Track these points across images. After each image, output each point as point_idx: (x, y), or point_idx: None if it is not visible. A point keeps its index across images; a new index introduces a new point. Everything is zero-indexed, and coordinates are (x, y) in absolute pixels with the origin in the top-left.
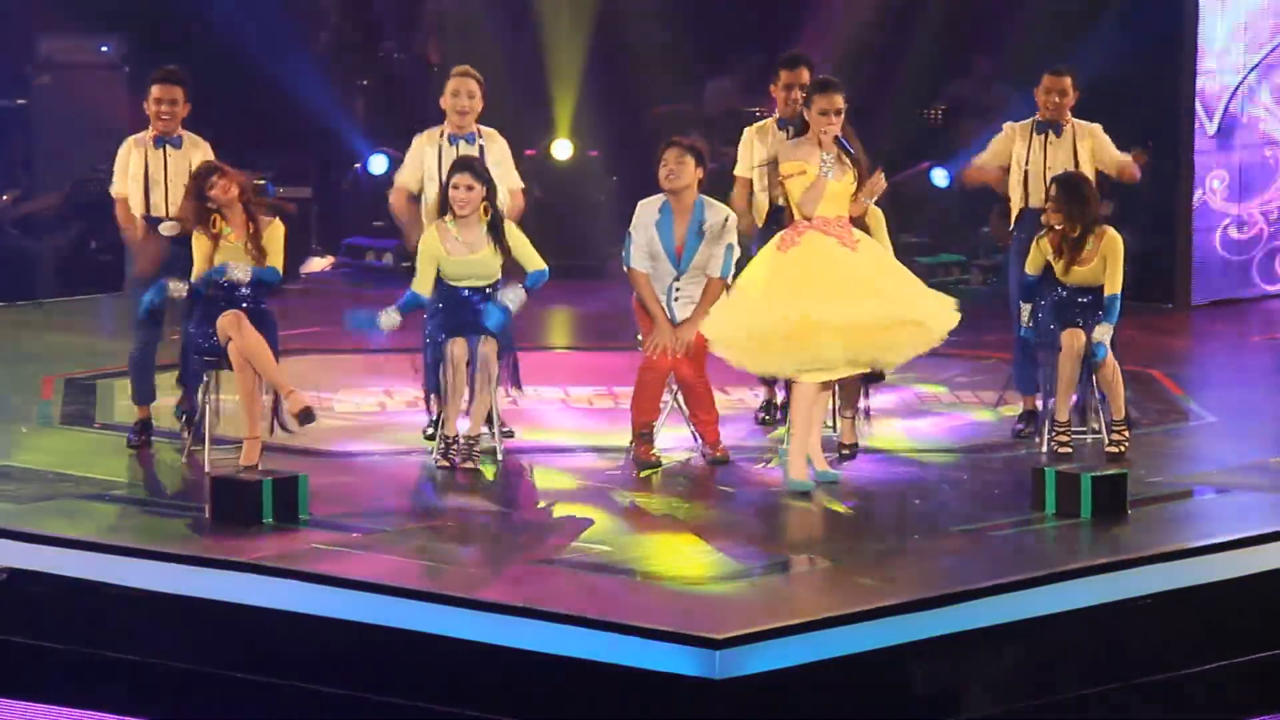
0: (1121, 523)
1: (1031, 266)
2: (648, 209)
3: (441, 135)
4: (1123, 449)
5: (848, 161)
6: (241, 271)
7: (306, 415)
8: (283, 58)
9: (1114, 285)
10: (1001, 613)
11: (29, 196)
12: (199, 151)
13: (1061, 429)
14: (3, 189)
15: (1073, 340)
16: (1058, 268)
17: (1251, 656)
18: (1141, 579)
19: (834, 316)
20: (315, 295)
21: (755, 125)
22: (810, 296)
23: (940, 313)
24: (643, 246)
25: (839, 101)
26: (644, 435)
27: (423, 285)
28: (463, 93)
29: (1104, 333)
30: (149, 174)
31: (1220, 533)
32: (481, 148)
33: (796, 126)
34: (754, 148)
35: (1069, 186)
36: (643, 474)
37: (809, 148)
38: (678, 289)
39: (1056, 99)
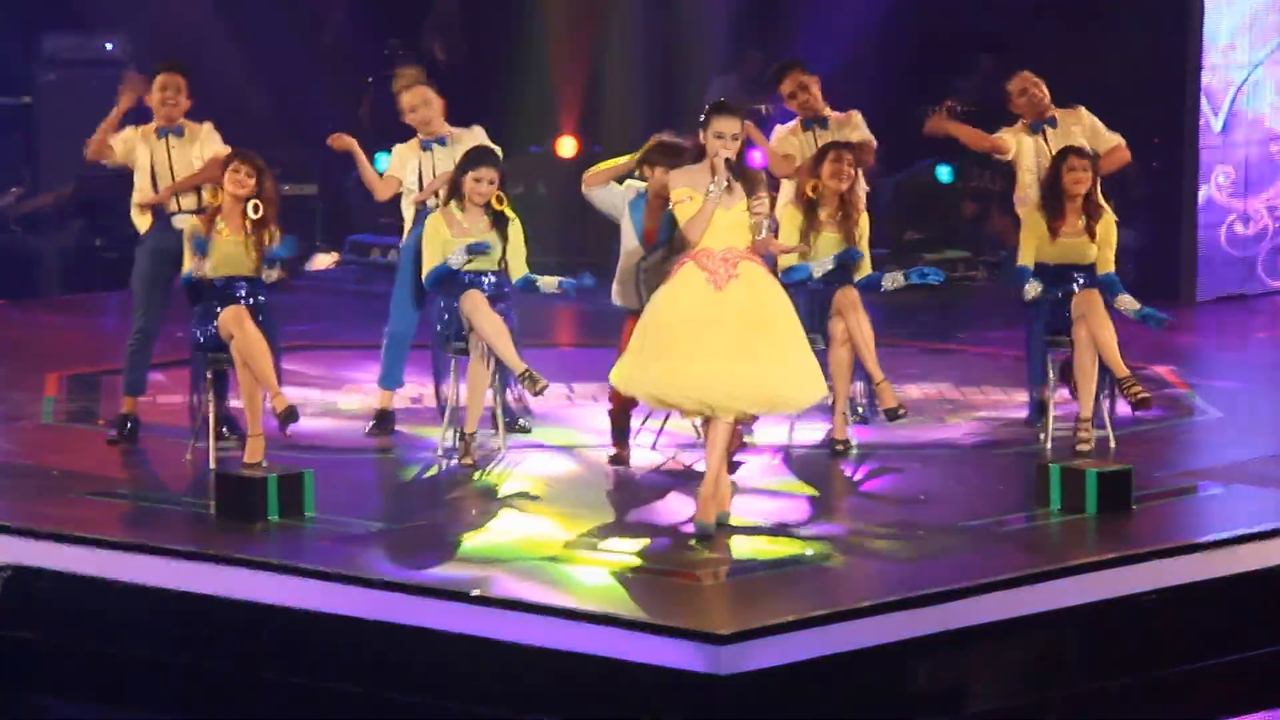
0: (1126, 518)
1: (1026, 257)
2: (631, 190)
3: (417, 142)
4: (1088, 448)
5: (742, 192)
6: (272, 272)
7: (289, 415)
8: (287, 55)
9: (1108, 265)
10: (1006, 608)
11: (33, 194)
12: (200, 140)
13: (1083, 425)
14: (7, 186)
15: (1085, 330)
16: (1047, 243)
17: (1257, 651)
18: (1146, 574)
19: (683, 363)
20: (319, 292)
21: (786, 128)
22: (666, 347)
23: (798, 381)
24: (608, 200)
25: (735, 126)
26: (621, 432)
27: (431, 263)
28: (420, 106)
29: (1130, 301)
30: (154, 167)
31: (1225, 528)
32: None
33: (823, 124)
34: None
35: (1075, 151)
36: (616, 468)
37: (700, 173)
38: (645, 269)
39: (1036, 92)
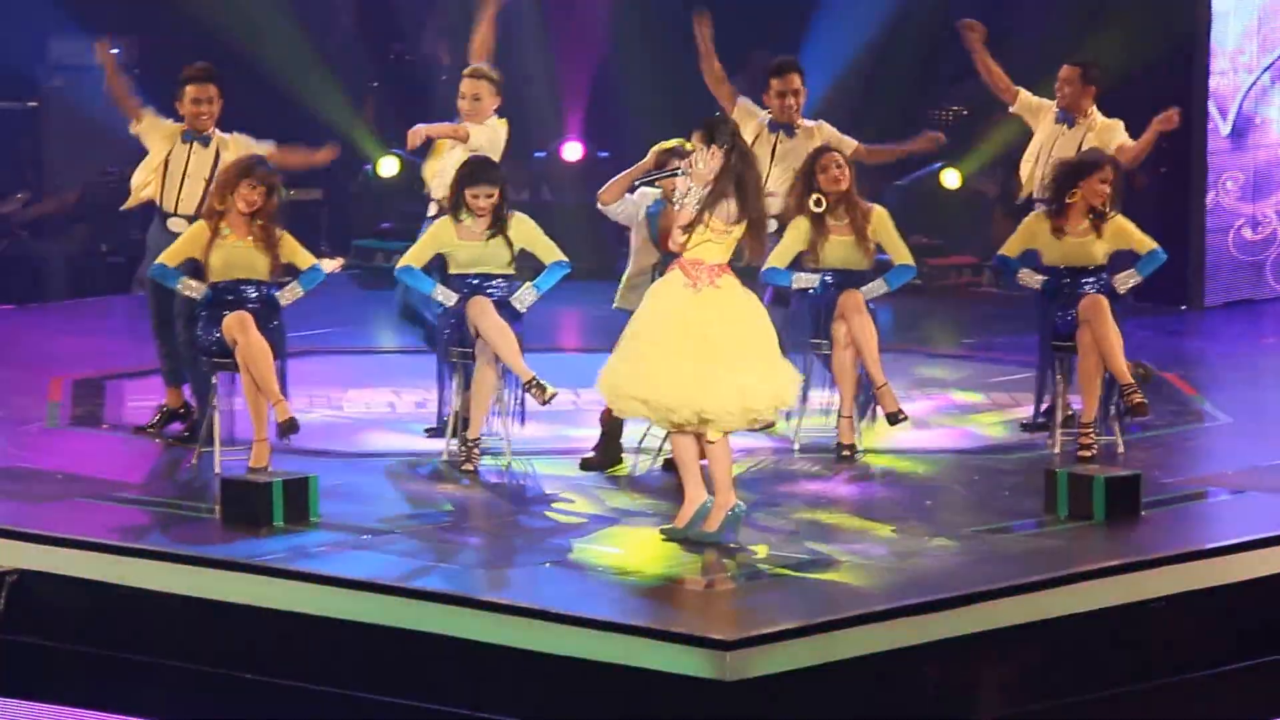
0: (1135, 524)
1: (1009, 248)
2: (647, 197)
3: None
4: (1091, 454)
5: (735, 211)
6: (293, 293)
7: (289, 426)
8: (293, 59)
9: (1149, 243)
10: (1014, 614)
11: (39, 199)
12: (228, 152)
13: (1086, 430)
14: (13, 191)
15: (1089, 334)
16: (1053, 246)
17: (1266, 658)
18: (1155, 581)
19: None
20: (324, 296)
21: (753, 110)
22: (661, 353)
23: (770, 387)
24: (624, 212)
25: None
26: (605, 436)
27: (414, 260)
28: (468, 95)
29: (1128, 277)
30: (169, 167)
31: (1234, 534)
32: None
33: (789, 131)
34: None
35: (1109, 161)
36: (584, 469)
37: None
38: (659, 272)
39: (1065, 89)
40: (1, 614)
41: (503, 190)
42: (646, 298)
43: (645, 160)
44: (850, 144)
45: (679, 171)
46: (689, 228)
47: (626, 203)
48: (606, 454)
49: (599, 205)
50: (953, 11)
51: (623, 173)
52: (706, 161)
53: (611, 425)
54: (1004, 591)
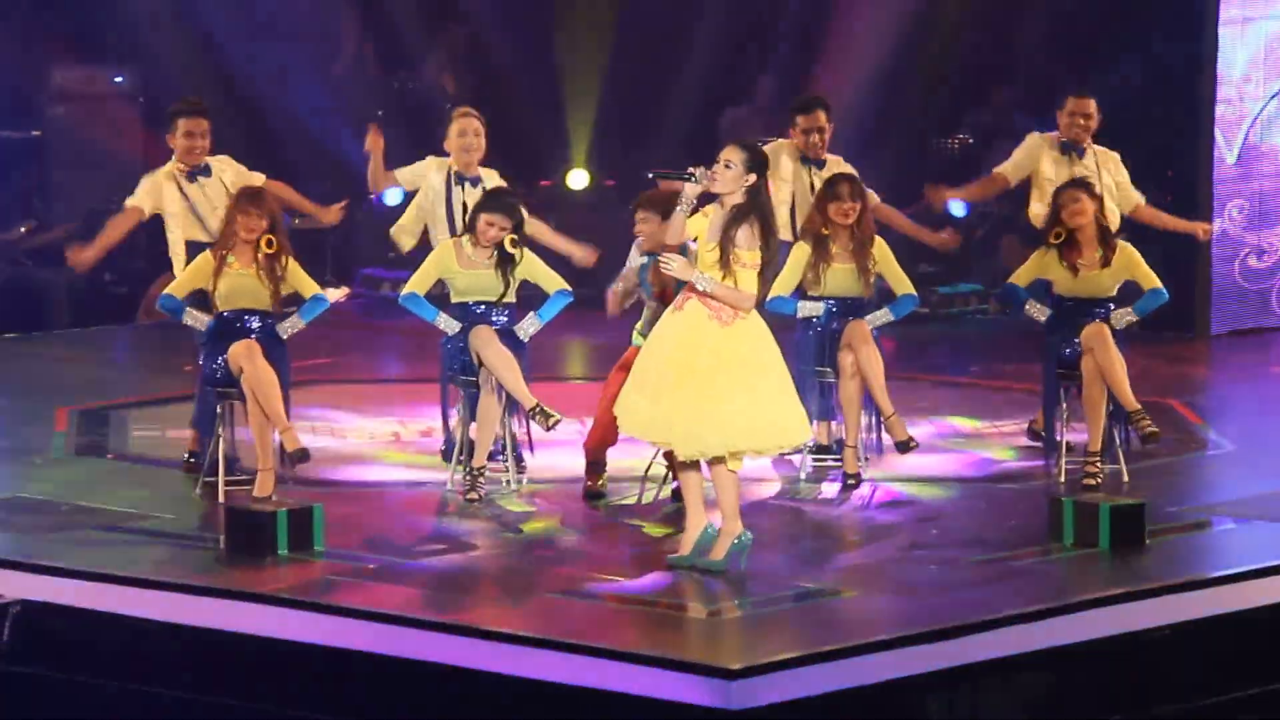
0: (1140, 553)
1: (1018, 276)
2: (635, 254)
3: (450, 171)
4: (1097, 482)
5: (749, 240)
6: (294, 326)
7: (300, 455)
8: (297, 89)
9: (1153, 280)
10: (1019, 643)
11: (43, 228)
12: (229, 171)
13: (1091, 459)
14: (17, 220)
15: (1093, 363)
16: (1065, 275)
17: (1270, 687)
18: (1160, 609)
19: (673, 399)
20: (330, 326)
21: (783, 145)
22: (667, 381)
23: (782, 425)
24: (627, 285)
25: (733, 153)
26: (595, 465)
27: (417, 286)
28: (469, 132)
29: (1125, 315)
30: (195, 208)
31: (1239, 563)
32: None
33: (819, 165)
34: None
35: (1072, 184)
36: (591, 503)
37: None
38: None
39: (1081, 121)
40: (5, 645)
41: (518, 229)
42: (667, 333)
43: (630, 264)
44: (872, 196)
45: (691, 176)
46: (723, 262)
47: (626, 275)
48: (599, 481)
49: (609, 316)
50: (961, 39)
51: (616, 283)
52: (739, 179)
53: (598, 453)
54: (1009, 620)
